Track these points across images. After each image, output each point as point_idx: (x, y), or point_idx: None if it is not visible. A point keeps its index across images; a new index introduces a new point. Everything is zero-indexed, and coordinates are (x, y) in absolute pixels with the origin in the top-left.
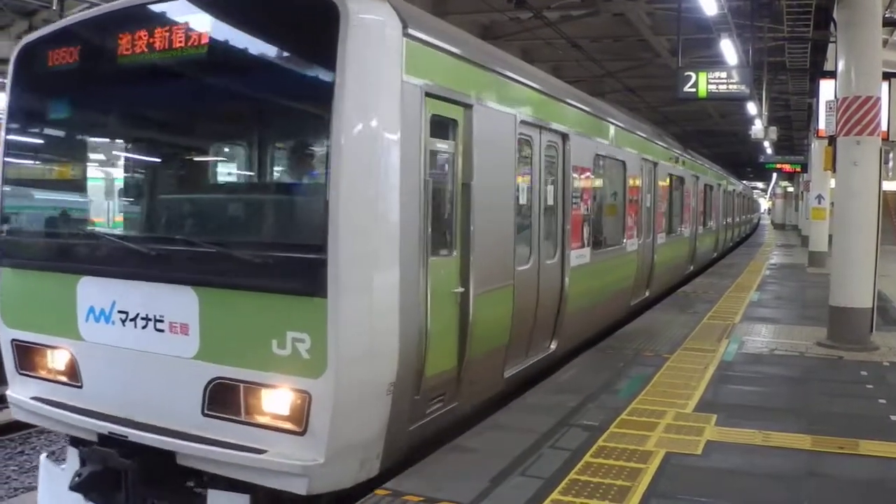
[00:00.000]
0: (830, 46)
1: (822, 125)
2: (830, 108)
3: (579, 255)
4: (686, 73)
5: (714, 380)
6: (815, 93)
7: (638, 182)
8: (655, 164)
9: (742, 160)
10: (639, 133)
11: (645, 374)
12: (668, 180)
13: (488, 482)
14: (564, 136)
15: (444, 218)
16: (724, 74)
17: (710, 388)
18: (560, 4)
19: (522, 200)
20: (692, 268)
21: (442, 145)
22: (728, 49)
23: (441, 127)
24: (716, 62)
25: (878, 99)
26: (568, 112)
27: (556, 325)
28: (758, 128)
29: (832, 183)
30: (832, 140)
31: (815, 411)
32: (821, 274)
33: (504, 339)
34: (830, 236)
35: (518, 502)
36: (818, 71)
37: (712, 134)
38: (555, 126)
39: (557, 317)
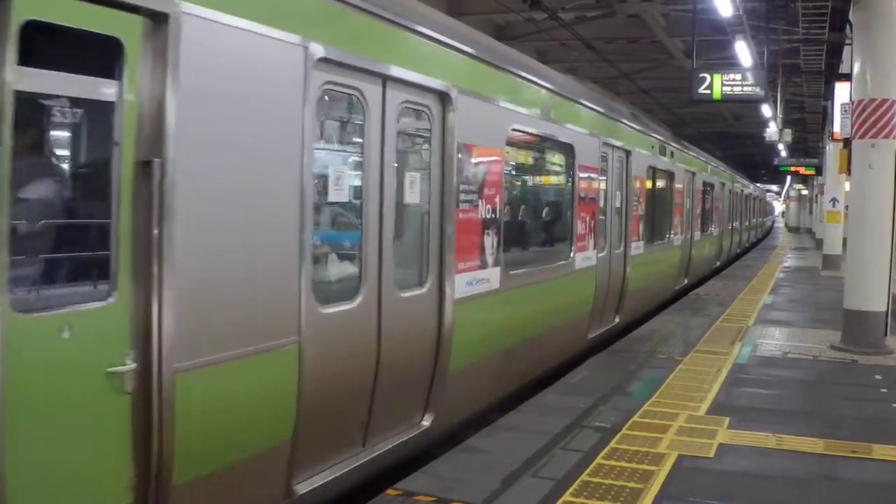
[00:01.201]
0: (846, 49)
1: (836, 128)
2: (845, 110)
3: (477, 280)
4: (701, 75)
5: (727, 382)
6: (829, 95)
7: (597, 175)
8: (628, 152)
9: (756, 163)
10: (597, 108)
11: (657, 377)
12: (648, 175)
13: (499, 483)
14: (442, 96)
15: (76, 229)
16: (738, 76)
17: (722, 390)
18: (575, 5)
19: (337, 196)
20: (686, 281)
21: (65, 86)
22: (743, 51)
23: (75, 53)
24: (730, 64)
25: (894, 102)
26: (449, 58)
27: (430, 391)
28: (772, 130)
29: (847, 186)
30: (847, 143)
31: (828, 415)
32: (835, 277)
33: (282, 437)
34: (845, 239)
35: None
36: (833, 73)
37: (727, 136)
38: (417, 78)
39: (433, 378)
